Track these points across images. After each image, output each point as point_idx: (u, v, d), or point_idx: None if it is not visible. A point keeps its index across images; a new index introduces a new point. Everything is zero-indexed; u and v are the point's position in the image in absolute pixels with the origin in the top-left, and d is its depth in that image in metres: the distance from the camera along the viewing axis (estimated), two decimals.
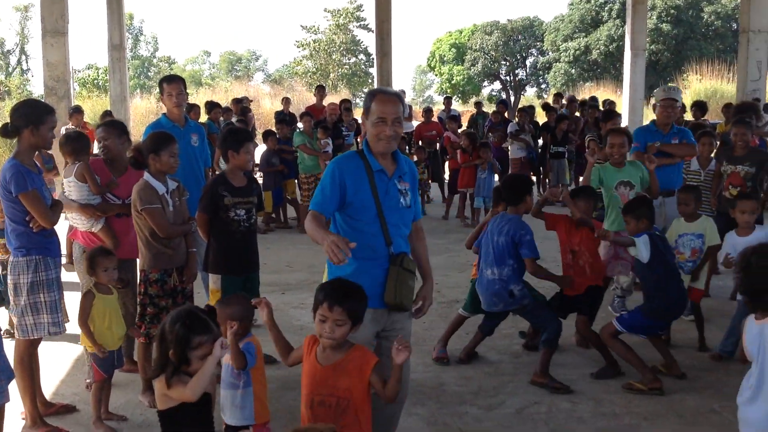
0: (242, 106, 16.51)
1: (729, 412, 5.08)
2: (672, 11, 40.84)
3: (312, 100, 16.80)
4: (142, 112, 29.59)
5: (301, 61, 46.88)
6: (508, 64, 54.09)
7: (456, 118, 15.12)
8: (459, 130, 14.35)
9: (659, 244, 5.74)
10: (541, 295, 6.22)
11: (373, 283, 3.90)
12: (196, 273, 5.63)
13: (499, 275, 5.74)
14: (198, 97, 30.66)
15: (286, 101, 17.84)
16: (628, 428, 4.98)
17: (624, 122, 18.87)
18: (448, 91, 52.32)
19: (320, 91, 16.71)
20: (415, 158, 13.97)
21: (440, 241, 11.39)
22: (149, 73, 59.34)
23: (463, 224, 12.63)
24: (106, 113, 14.68)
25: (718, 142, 10.20)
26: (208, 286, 5.91)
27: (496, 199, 6.58)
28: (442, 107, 18.24)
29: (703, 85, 29.10)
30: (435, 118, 16.67)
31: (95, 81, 40.80)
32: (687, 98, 23.25)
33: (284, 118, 14.71)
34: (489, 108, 23.76)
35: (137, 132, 15.51)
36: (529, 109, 16.73)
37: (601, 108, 15.69)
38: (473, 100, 50.67)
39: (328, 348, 3.50)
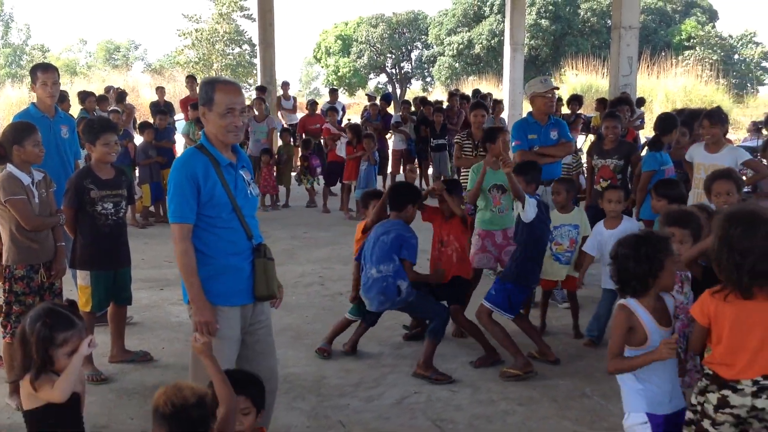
0: (119, 92, 15.89)
1: (599, 395, 5.30)
2: (550, 7, 42.05)
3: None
4: (14, 101, 28.21)
5: (182, 50, 45.72)
6: (393, 57, 54.41)
7: (335, 110, 15.03)
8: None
9: (543, 211, 5.90)
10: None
11: (240, 278, 3.85)
12: (65, 268, 5.41)
13: (386, 272, 5.73)
14: (73, 86, 29.44)
15: (160, 91, 17.34)
16: (504, 414, 5.09)
17: (504, 116, 19.32)
18: (335, 83, 52.21)
19: (191, 81, 16.33)
20: (301, 152, 13.92)
21: (324, 234, 11.37)
22: (21, 62, 56.57)
23: (347, 217, 12.64)
24: None
25: (593, 136, 10.59)
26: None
27: (365, 203, 6.64)
28: (328, 99, 18.16)
29: (579, 80, 30.14)
30: (319, 111, 16.61)
31: None
32: (564, 93, 24.02)
33: (162, 108, 14.30)
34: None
35: (7, 122, 14.74)
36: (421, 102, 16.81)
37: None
38: (360, 92, 50.99)
39: None
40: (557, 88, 7.58)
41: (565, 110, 15.35)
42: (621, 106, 10.37)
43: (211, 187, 3.81)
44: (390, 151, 15.22)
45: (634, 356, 3.50)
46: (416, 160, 14.92)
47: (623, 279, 3.55)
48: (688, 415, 3.54)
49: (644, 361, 3.46)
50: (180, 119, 16.01)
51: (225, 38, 45.43)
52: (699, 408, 3.46)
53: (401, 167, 14.67)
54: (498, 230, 6.85)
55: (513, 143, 7.44)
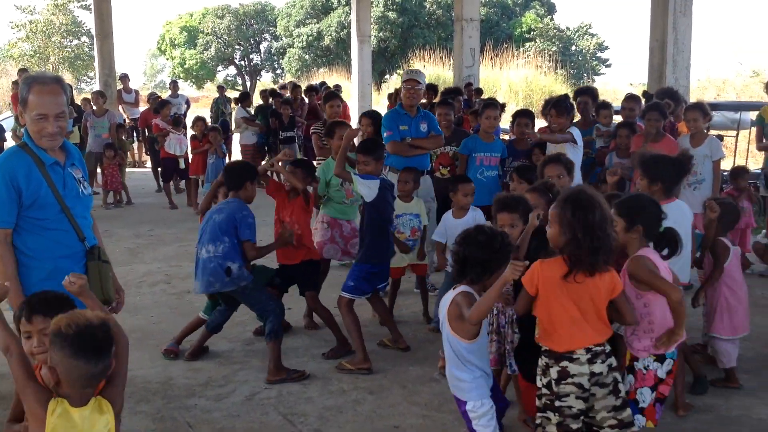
0: None
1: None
2: (397, 0, 42.58)
3: None
4: None
5: (16, 43, 43.29)
6: (242, 48, 53.56)
7: (165, 104, 14.53)
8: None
9: (387, 192, 5.88)
10: (270, 270, 6.22)
11: None
12: None
13: (215, 252, 5.57)
14: None
15: None
16: (355, 403, 5.11)
17: (354, 108, 19.45)
18: (181, 75, 50.86)
19: (23, 75, 15.50)
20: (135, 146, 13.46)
21: (171, 231, 11.06)
22: None
23: (196, 212, 12.30)
24: None
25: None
26: None
27: (215, 193, 6.49)
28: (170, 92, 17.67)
29: (427, 72, 30.64)
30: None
31: None
32: None
33: None
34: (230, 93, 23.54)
35: None
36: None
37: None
38: (209, 84, 49.85)
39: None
40: (418, 81, 7.57)
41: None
42: (455, 96, 10.75)
43: (35, 188, 3.60)
44: (240, 147, 15.01)
45: (490, 291, 3.52)
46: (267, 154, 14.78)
47: (469, 263, 3.64)
48: (539, 403, 3.68)
49: (499, 287, 3.47)
50: (10, 116, 15.18)
51: (62, 30, 43.41)
52: (546, 390, 3.61)
53: (253, 161, 14.46)
54: (345, 221, 6.84)
55: (385, 134, 7.37)
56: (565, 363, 3.54)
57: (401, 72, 32.47)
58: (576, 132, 7.16)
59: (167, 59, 57.25)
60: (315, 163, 8.19)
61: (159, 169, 14.49)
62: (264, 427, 4.79)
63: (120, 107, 17.25)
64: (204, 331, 6.04)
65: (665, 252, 3.96)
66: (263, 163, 6.36)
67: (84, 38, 44.37)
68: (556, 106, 7.26)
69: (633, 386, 3.83)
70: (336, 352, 5.97)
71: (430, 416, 4.89)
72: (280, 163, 6.39)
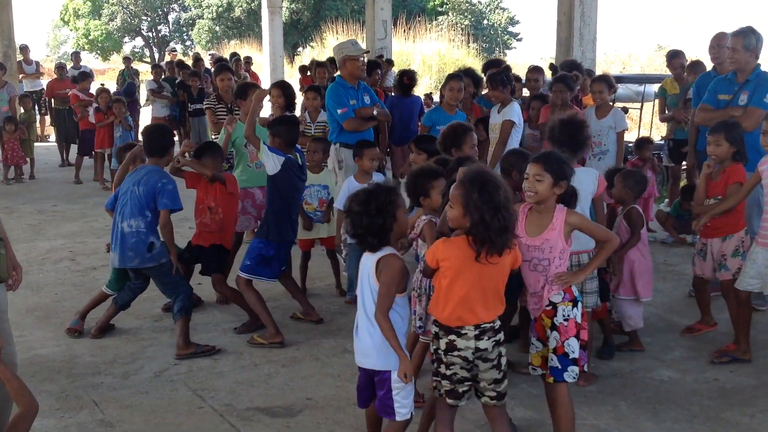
0: None
1: None
2: None
3: None
4: None
5: None
6: (149, 19, 52.10)
7: (86, 75, 14.10)
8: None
9: (293, 169, 5.74)
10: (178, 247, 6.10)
11: None
12: None
13: (137, 227, 5.43)
14: None
15: None
16: (267, 377, 5.06)
17: (266, 80, 19.17)
18: (86, 47, 49.16)
19: None
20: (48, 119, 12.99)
21: (75, 206, 10.72)
22: None
23: (102, 187, 11.98)
24: None
25: None
26: None
27: (120, 159, 6.31)
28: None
29: None
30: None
31: None
32: (325, 57, 24.18)
33: None
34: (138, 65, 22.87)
35: None
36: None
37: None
38: (115, 56, 48.31)
39: None
40: (368, 52, 7.50)
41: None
42: (374, 69, 10.65)
43: None
44: (151, 120, 14.64)
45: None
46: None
47: (359, 235, 3.60)
48: (434, 366, 3.72)
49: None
50: None
51: None
52: (436, 357, 3.67)
53: None
54: (257, 188, 6.81)
55: (339, 111, 7.16)
56: (453, 337, 3.57)
57: (315, 45, 32.16)
58: (517, 112, 7.14)
59: (71, 30, 55.17)
60: (213, 136, 8.10)
61: (64, 142, 14.02)
62: (173, 403, 4.69)
63: (20, 78, 16.57)
64: (112, 307, 5.86)
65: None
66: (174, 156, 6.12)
67: None
68: (491, 80, 7.24)
69: (559, 341, 3.87)
70: (248, 327, 5.89)
71: (342, 387, 4.89)
72: (186, 156, 6.23)
